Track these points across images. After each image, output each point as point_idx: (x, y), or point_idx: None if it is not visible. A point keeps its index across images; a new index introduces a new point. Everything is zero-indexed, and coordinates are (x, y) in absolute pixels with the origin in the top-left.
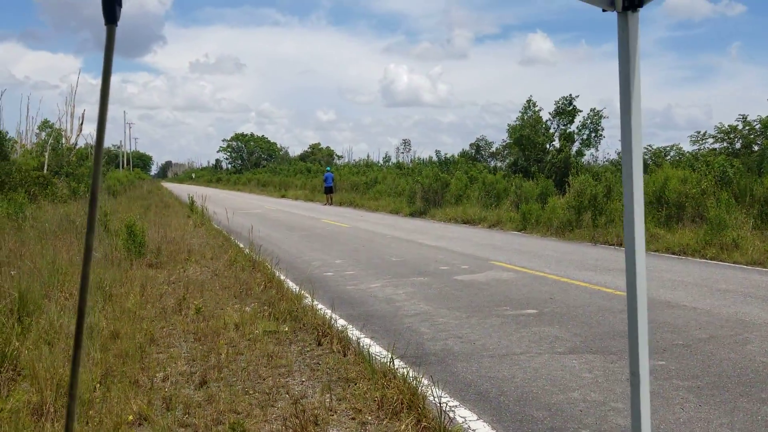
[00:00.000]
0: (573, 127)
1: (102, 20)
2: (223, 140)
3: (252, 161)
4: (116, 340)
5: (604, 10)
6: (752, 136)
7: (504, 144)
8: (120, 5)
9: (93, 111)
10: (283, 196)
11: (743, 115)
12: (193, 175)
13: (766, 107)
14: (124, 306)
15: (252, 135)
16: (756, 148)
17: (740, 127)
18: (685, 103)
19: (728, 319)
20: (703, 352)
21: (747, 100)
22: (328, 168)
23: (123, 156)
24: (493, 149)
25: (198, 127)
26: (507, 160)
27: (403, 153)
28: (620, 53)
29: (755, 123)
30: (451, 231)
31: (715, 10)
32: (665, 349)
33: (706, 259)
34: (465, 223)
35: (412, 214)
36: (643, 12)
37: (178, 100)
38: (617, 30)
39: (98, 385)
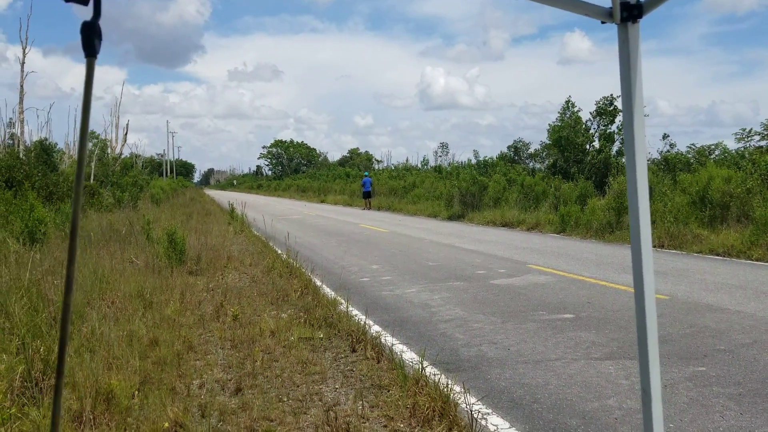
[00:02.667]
0: (614, 127)
1: (145, 32)
2: (263, 147)
3: (292, 167)
4: (155, 348)
5: (603, 22)
6: None
7: (543, 145)
8: (100, 39)
9: (136, 121)
10: (322, 201)
11: None
12: (235, 182)
13: None
14: (164, 313)
15: (291, 141)
16: None
17: None
18: (731, 99)
19: None
20: (746, 358)
21: None
22: (366, 173)
23: (166, 164)
24: (532, 150)
25: (238, 135)
26: (546, 162)
27: (441, 156)
28: (621, 65)
29: None
30: (488, 234)
31: (760, 2)
32: (706, 354)
33: (752, 260)
34: (503, 226)
35: (450, 218)
36: (683, 9)
37: (219, 109)
38: (618, 41)
39: (137, 392)
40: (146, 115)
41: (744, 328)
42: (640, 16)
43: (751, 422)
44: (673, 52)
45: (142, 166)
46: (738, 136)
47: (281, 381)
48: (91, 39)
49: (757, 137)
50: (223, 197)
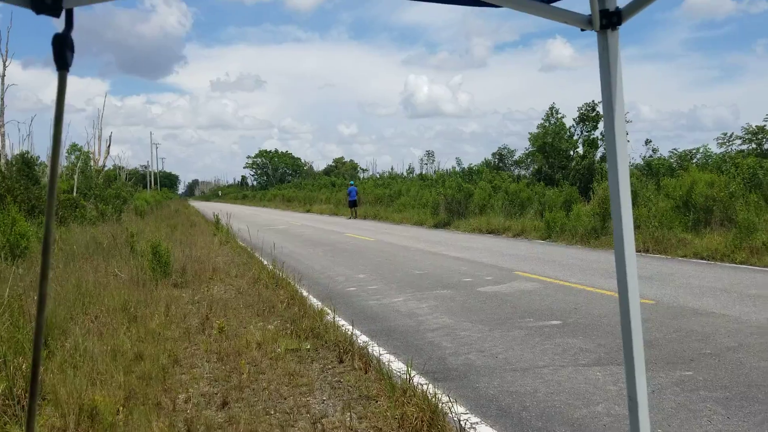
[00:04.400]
0: (597, 133)
1: (125, 44)
2: (247, 157)
3: (277, 177)
4: (140, 362)
5: (582, 30)
6: None
7: (527, 152)
8: (72, 51)
9: (119, 133)
10: (308, 211)
11: None
12: (220, 193)
13: None
14: (149, 327)
15: (276, 151)
16: None
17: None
18: (712, 104)
19: (759, 326)
20: (732, 362)
21: None
22: (352, 182)
23: (150, 176)
24: (516, 157)
25: (222, 145)
26: (531, 168)
27: (426, 164)
28: (602, 71)
29: None
30: (475, 242)
31: (738, 8)
32: (692, 359)
33: (736, 263)
34: (489, 233)
35: (436, 226)
36: (663, 15)
37: (202, 119)
38: (598, 49)
39: (121, 408)
40: (129, 126)
41: (729, 331)
42: (620, 23)
43: (739, 426)
44: (654, 57)
45: (126, 178)
46: (719, 141)
47: (268, 393)
48: (63, 51)
49: (738, 141)
50: (208, 208)
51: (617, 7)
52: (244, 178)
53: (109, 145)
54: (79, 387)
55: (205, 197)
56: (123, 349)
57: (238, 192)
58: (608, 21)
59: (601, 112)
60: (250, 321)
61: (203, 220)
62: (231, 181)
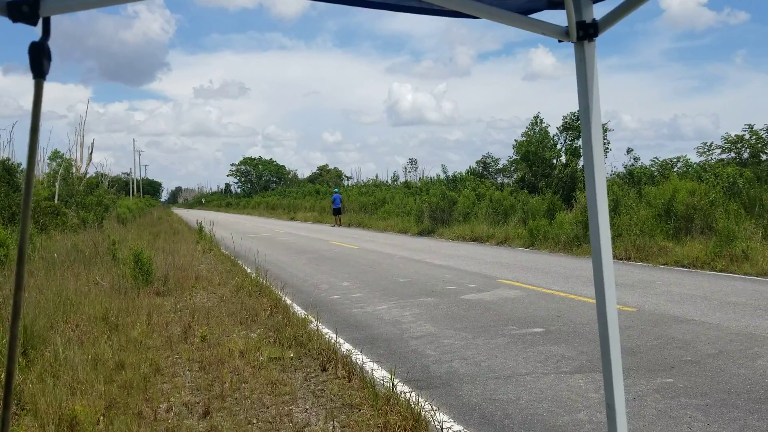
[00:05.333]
0: (579, 142)
1: (108, 50)
2: (231, 164)
3: (261, 184)
4: (121, 371)
5: (560, 41)
6: (759, 146)
7: (511, 160)
8: (49, 59)
9: (101, 140)
10: (292, 219)
11: (749, 124)
12: (203, 200)
13: None
14: (130, 335)
15: (260, 158)
16: (764, 157)
17: (747, 136)
18: (693, 113)
19: (738, 333)
20: (712, 368)
21: (754, 107)
22: (336, 189)
23: (133, 183)
24: (500, 165)
25: (206, 152)
26: (514, 176)
27: (410, 172)
28: (579, 82)
29: (762, 132)
30: (458, 249)
31: (717, 19)
32: (673, 366)
33: (716, 271)
34: (473, 240)
35: (420, 233)
36: (644, 25)
37: (185, 126)
38: (575, 60)
39: (102, 417)
40: (111, 133)
41: (709, 338)
42: (596, 35)
43: None
44: (635, 67)
45: (108, 185)
46: (700, 150)
47: (250, 402)
48: (39, 60)
49: (718, 151)
50: (192, 216)
51: (594, 19)
52: (227, 185)
53: (92, 152)
54: (59, 397)
55: (189, 205)
56: (104, 358)
57: (221, 200)
58: (585, 32)
59: None
60: (232, 329)
61: (186, 228)
62: (215, 189)
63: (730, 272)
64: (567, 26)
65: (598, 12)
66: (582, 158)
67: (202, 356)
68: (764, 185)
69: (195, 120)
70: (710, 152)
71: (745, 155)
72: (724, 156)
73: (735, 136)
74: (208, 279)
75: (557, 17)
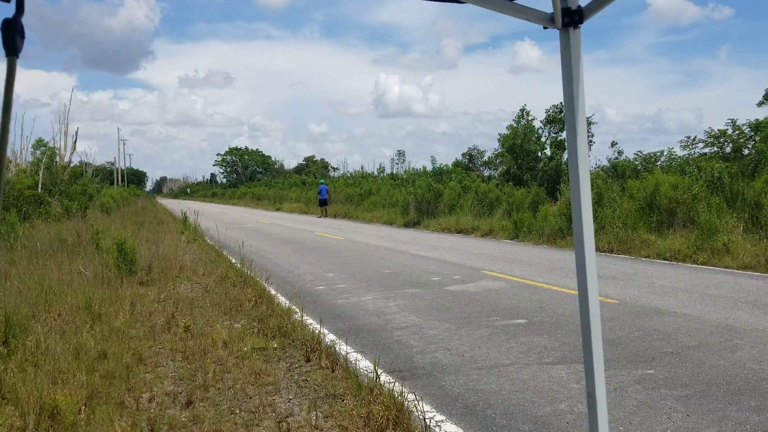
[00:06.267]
0: (564, 135)
1: (92, 38)
2: (217, 154)
3: (247, 175)
4: (103, 361)
5: (545, 28)
6: (742, 140)
7: (497, 152)
8: (23, 36)
9: (85, 128)
10: (278, 210)
11: (732, 119)
12: (188, 190)
13: (757, 109)
14: (113, 325)
15: (246, 149)
16: (746, 151)
17: (730, 131)
18: (677, 108)
19: (718, 325)
20: (692, 360)
21: (737, 102)
22: (322, 180)
23: (117, 173)
24: (486, 158)
25: (191, 142)
26: (500, 169)
27: (397, 164)
28: (563, 70)
29: (744, 127)
30: (444, 241)
31: (702, 14)
32: (654, 357)
33: (698, 264)
34: (458, 232)
35: (406, 225)
36: (631, 19)
37: (170, 116)
38: (560, 47)
39: (83, 407)
40: (95, 122)
41: (690, 330)
42: (581, 22)
43: (698, 423)
44: (621, 61)
45: (93, 174)
46: (683, 144)
47: (233, 393)
48: (12, 37)
49: (701, 145)
50: (176, 206)
51: (579, 6)
52: (213, 175)
53: (75, 140)
54: (40, 386)
55: (174, 195)
56: (86, 348)
57: (207, 190)
58: (570, 19)
59: None
60: (216, 319)
61: (171, 218)
62: (200, 179)
63: (712, 265)
64: (552, 12)
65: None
66: (564, 152)
67: (185, 346)
68: (747, 180)
69: (180, 109)
70: (693, 146)
71: (728, 149)
72: (707, 150)
73: (718, 130)
74: (193, 269)
75: (543, 4)
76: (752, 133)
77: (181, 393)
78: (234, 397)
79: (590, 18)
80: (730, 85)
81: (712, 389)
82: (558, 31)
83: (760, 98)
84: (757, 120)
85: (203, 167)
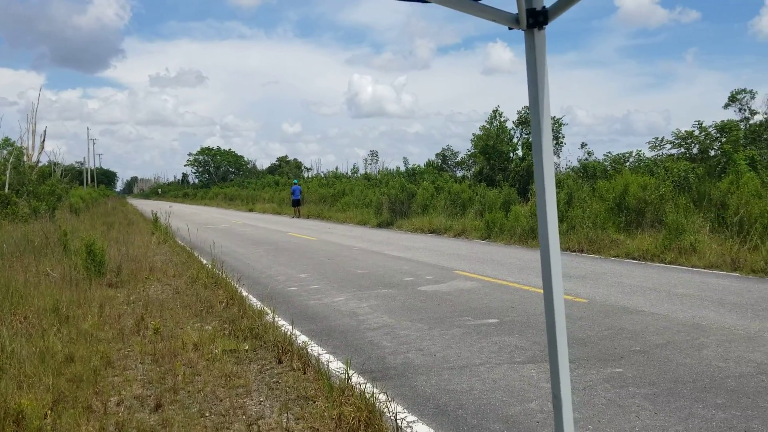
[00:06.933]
0: None
1: (61, 35)
2: (189, 154)
3: (219, 175)
4: (71, 364)
5: (510, 28)
6: (708, 142)
7: (469, 153)
8: None
9: (54, 128)
10: (250, 210)
11: (699, 121)
12: (160, 191)
13: (723, 111)
14: (81, 328)
15: (219, 149)
16: (712, 152)
17: (696, 132)
18: (645, 109)
19: (685, 323)
20: (660, 358)
21: (704, 104)
22: (296, 181)
23: (87, 173)
24: (459, 158)
25: (162, 142)
26: (472, 169)
27: (371, 164)
28: (528, 70)
29: (710, 128)
30: (417, 241)
31: (670, 17)
32: (623, 356)
33: (665, 263)
34: (431, 232)
35: (380, 225)
36: (600, 22)
37: (141, 115)
38: (525, 48)
39: (49, 412)
40: (64, 121)
41: (658, 329)
42: (546, 23)
43: (665, 421)
44: (591, 63)
45: (61, 174)
46: (651, 145)
47: (203, 395)
48: None
49: (669, 146)
50: (147, 206)
51: (544, 7)
52: (185, 175)
53: (44, 140)
54: (5, 390)
55: (145, 195)
56: (53, 351)
57: (178, 190)
58: (535, 20)
59: None
60: (187, 321)
61: (141, 219)
62: (171, 179)
63: (679, 264)
64: (517, 13)
65: (549, 1)
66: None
67: (154, 349)
68: (714, 180)
69: (151, 108)
70: (661, 147)
71: (695, 150)
72: (674, 151)
73: (685, 131)
74: (163, 270)
75: (509, 4)
76: (718, 135)
77: (150, 396)
78: (204, 399)
79: (556, 19)
80: (697, 87)
81: (679, 387)
82: (523, 32)
83: (726, 100)
84: (722, 122)
85: (175, 167)
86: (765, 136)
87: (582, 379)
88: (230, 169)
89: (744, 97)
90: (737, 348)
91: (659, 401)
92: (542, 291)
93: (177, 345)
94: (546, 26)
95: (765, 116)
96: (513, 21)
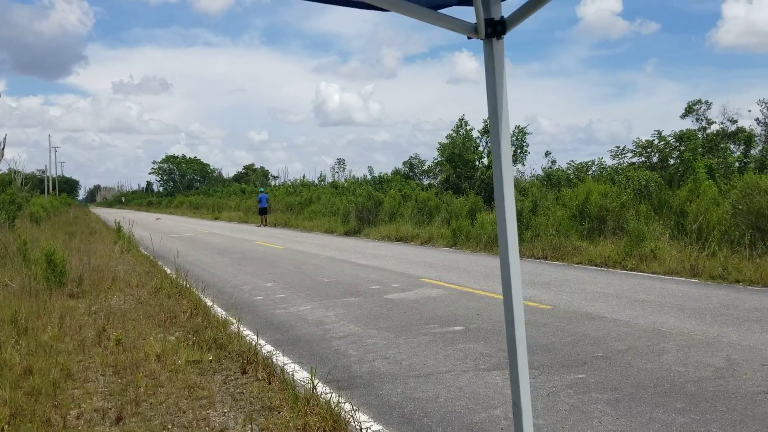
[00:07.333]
0: None
1: (22, 41)
2: (153, 162)
3: (184, 183)
4: (29, 377)
5: (469, 38)
6: (667, 150)
7: (436, 161)
8: None
9: (14, 135)
10: (216, 219)
11: (658, 130)
12: (123, 199)
13: (681, 120)
14: (40, 339)
15: (184, 157)
16: (672, 161)
17: (656, 141)
18: (607, 119)
19: (646, 329)
20: (622, 364)
21: (663, 114)
22: (262, 189)
23: (48, 181)
24: (426, 167)
25: (126, 150)
26: (439, 178)
27: (338, 172)
28: (487, 79)
29: (669, 137)
30: (384, 249)
31: (630, 28)
32: (585, 362)
33: (627, 270)
34: (398, 240)
35: (347, 233)
36: (564, 33)
37: (104, 122)
38: (484, 57)
39: (6, 426)
40: (25, 128)
41: (620, 335)
42: (504, 32)
43: (627, 426)
44: (554, 73)
45: (22, 183)
46: (613, 153)
47: (166, 407)
48: None
49: (629, 154)
50: (111, 215)
51: (502, 17)
52: (149, 184)
53: (3, 147)
54: None
55: (108, 203)
56: (10, 364)
57: (143, 198)
58: (493, 30)
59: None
60: (149, 332)
61: (104, 228)
62: (135, 188)
63: (640, 271)
64: (476, 23)
65: (508, 9)
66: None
67: (116, 360)
68: (673, 188)
69: (114, 116)
70: (622, 156)
71: (655, 159)
72: (635, 160)
73: (645, 140)
74: (126, 280)
75: (467, 14)
76: (677, 144)
77: (111, 409)
78: (167, 411)
79: (517, 29)
80: (657, 97)
81: (640, 392)
82: (482, 41)
83: (683, 110)
84: (681, 131)
85: (139, 175)
86: (721, 146)
87: (546, 386)
88: (196, 177)
89: (700, 107)
90: (696, 353)
91: (621, 406)
92: None
93: (139, 356)
94: (504, 36)
95: (721, 126)
96: (472, 30)
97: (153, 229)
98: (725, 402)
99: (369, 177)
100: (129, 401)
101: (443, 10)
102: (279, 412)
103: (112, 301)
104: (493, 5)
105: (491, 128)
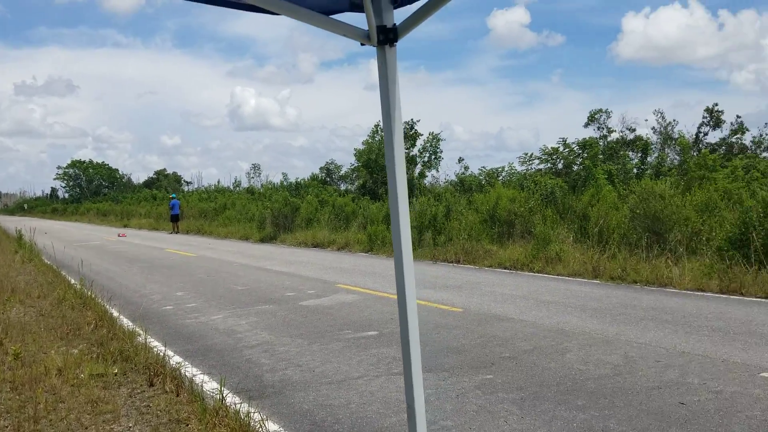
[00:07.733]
0: (415, 150)
1: None
2: (58, 167)
3: (92, 189)
4: None
5: (362, 44)
6: (572, 157)
7: (353, 167)
8: None
9: None
10: (125, 226)
11: (563, 138)
12: (26, 206)
13: (584, 129)
14: None
15: (91, 162)
16: (575, 167)
17: (561, 149)
18: (517, 126)
19: (550, 329)
20: (528, 363)
21: (568, 122)
22: (174, 195)
23: None
24: (343, 172)
25: (29, 154)
26: (356, 183)
27: (254, 177)
28: (381, 85)
29: (574, 145)
30: (300, 255)
31: (538, 40)
32: (493, 362)
33: (534, 272)
34: (315, 246)
35: (263, 240)
36: (476, 43)
37: (5, 125)
38: (377, 63)
39: None
40: None
41: (526, 335)
42: (396, 40)
43: (531, 424)
44: (467, 82)
45: None
46: (521, 160)
47: (67, 424)
48: None
49: (537, 161)
50: (11, 223)
51: (394, 24)
52: (54, 190)
53: None
54: None
55: (9, 211)
56: None
57: (47, 205)
58: (386, 37)
59: (420, 131)
60: (51, 345)
61: (4, 236)
62: (39, 194)
63: (546, 273)
64: (368, 30)
65: (400, 17)
66: (419, 166)
67: (14, 375)
68: (577, 194)
69: (16, 119)
70: (530, 162)
71: (560, 165)
72: (542, 166)
73: (551, 148)
74: (26, 291)
75: (360, 20)
76: (580, 151)
77: (7, 427)
78: (67, 428)
79: (413, 36)
80: (563, 106)
81: (544, 391)
82: (375, 48)
83: (586, 119)
84: (584, 139)
85: (43, 181)
86: (621, 153)
87: (455, 387)
88: (104, 183)
89: (601, 116)
90: (597, 351)
91: (526, 405)
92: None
93: (39, 371)
94: (396, 43)
95: (621, 134)
96: (365, 37)
97: (58, 238)
98: (623, 398)
99: (285, 183)
100: (27, 418)
101: (336, 16)
102: (187, 425)
103: (11, 313)
104: (385, 12)
105: (385, 133)
